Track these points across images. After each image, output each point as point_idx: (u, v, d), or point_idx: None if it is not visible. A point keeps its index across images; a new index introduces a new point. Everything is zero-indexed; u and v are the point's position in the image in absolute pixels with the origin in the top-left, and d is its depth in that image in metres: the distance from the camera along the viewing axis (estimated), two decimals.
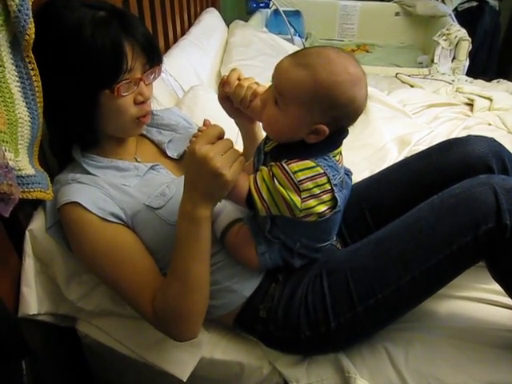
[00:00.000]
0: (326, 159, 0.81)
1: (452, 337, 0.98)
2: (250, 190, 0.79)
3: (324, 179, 0.79)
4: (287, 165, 0.77)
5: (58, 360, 1.11)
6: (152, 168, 1.00)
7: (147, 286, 0.87)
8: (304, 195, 0.78)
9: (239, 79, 0.92)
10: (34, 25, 0.78)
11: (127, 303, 0.91)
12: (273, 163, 0.80)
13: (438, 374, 0.91)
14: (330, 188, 0.80)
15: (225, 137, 0.79)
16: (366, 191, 1.12)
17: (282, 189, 0.77)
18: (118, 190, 0.92)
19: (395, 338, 0.98)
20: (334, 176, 0.81)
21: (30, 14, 0.77)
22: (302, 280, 0.95)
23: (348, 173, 0.91)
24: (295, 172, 0.77)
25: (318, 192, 0.79)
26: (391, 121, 1.83)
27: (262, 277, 0.96)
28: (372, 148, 1.66)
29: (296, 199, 0.78)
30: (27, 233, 0.94)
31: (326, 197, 0.81)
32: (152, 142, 1.10)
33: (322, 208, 0.81)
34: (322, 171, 0.79)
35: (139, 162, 1.02)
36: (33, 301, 0.94)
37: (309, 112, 0.76)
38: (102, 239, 0.87)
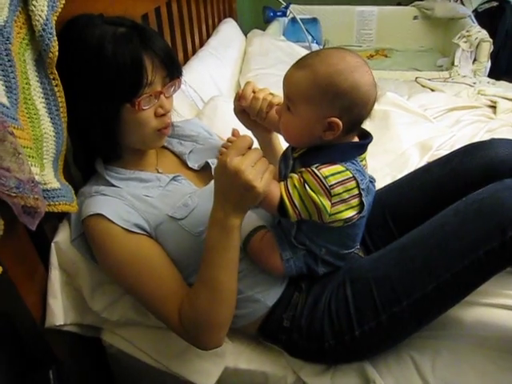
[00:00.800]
0: (354, 163, 0.82)
1: (480, 345, 0.96)
2: (281, 197, 0.80)
3: (353, 183, 0.80)
4: (318, 170, 0.78)
5: (83, 369, 1.13)
6: (174, 179, 1.01)
7: (172, 295, 0.88)
8: (334, 200, 0.79)
9: (254, 92, 0.94)
10: (57, 43, 0.80)
11: (152, 313, 0.92)
12: (303, 169, 0.81)
13: (466, 383, 0.89)
14: (358, 192, 0.81)
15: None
16: (388, 198, 1.11)
17: (313, 194, 0.78)
18: (141, 201, 0.93)
19: (421, 346, 0.96)
20: (361, 180, 0.82)
21: (54, 33, 0.80)
22: (326, 288, 0.95)
23: (372, 180, 0.90)
24: (326, 177, 0.78)
25: (347, 197, 0.80)
26: (412, 126, 1.81)
27: (284, 286, 0.96)
28: (393, 154, 1.65)
29: (326, 203, 0.78)
30: (53, 245, 0.95)
31: (355, 202, 0.82)
32: (173, 153, 1.12)
33: (351, 213, 0.82)
34: (351, 175, 0.80)
35: (161, 173, 1.03)
36: (59, 312, 0.95)
37: (316, 107, 0.77)
38: (126, 250, 0.88)
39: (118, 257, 0.88)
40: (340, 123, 0.77)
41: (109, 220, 0.87)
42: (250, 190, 0.75)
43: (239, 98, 0.96)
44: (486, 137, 1.67)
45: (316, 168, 0.79)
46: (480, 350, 0.95)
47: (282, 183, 0.81)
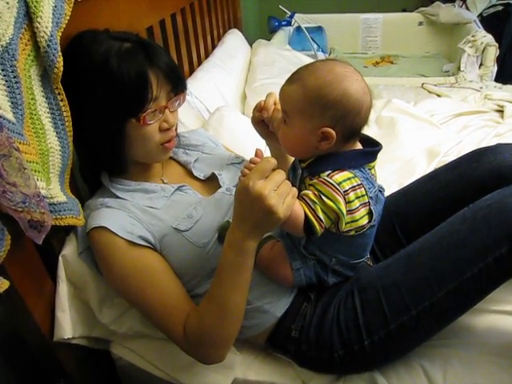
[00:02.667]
0: (361, 171, 0.82)
1: (492, 353, 0.94)
2: (306, 216, 0.79)
3: (362, 191, 0.81)
4: (330, 178, 0.79)
5: (93, 383, 1.13)
6: (179, 189, 1.01)
7: (177, 308, 0.88)
8: (349, 207, 0.80)
9: (275, 104, 0.95)
10: (62, 58, 0.81)
11: (156, 326, 0.92)
12: (315, 180, 0.81)
13: None
14: (367, 201, 0.82)
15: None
16: (395, 205, 1.11)
17: (331, 203, 0.78)
18: (145, 213, 0.94)
19: (432, 355, 0.95)
20: (369, 189, 0.82)
21: (59, 49, 0.81)
22: (334, 298, 0.94)
23: (381, 189, 0.90)
24: (340, 183, 0.78)
25: (358, 205, 0.81)
26: (419, 132, 1.80)
27: (293, 296, 0.96)
28: (400, 161, 1.64)
29: (344, 210, 0.79)
30: (60, 258, 0.96)
31: (365, 210, 0.82)
32: (178, 162, 1.12)
33: (363, 222, 0.83)
34: (360, 182, 0.80)
35: (166, 183, 1.03)
36: (67, 325, 0.95)
37: (309, 118, 0.79)
38: (130, 263, 0.88)
39: (121, 269, 0.88)
40: (333, 133, 0.78)
41: (113, 232, 0.87)
42: (271, 215, 0.74)
43: (261, 109, 0.96)
44: (493, 141, 1.66)
45: (327, 176, 0.80)
46: (493, 358, 0.93)
47: (303, 202, 0.80)
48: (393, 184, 1.44)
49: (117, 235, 0.87)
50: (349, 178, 0.80)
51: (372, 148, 0.86)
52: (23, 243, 0.83)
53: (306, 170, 0.86)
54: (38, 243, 0.75)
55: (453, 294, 0.85)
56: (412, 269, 0.89)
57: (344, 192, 0.78)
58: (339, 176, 0.79)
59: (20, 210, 0.69)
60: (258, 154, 0.83)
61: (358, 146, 0.86)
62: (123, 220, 0.90)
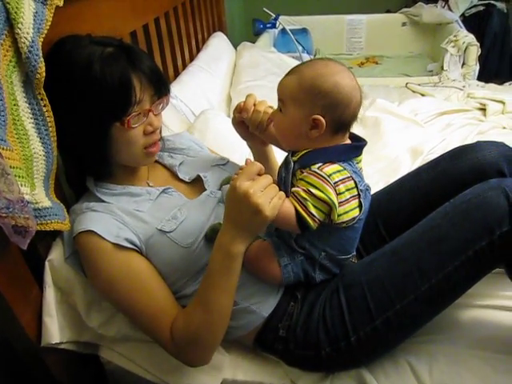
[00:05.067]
0: (350, 165, 0.86)
1: (476, 348, 0.96)
2: (298, 213, 0.82)
3: (352, 183, 0.84)
4: (321, 170, 0.83)
5: None
6: (164, 191, 1.01)
7: (163, 311, 0.88)
8: (340, 199, 0.82)
9: (254, 104, 0.97)
10: (44, 64, 0.81)
11: (142, 329, 0.92)
12: (305, 173, 0.84)
13: None
14: (357, 193, 0.85)
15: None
16: (379, 204, 1.11)
17: (320, 193, 0.81)
18: (131, 216, 0.94)
19: (418, 351, 0.96)
20: (359, 182, 0.85)
21: (40, 54, 0.81)
22: (320, 296, 0.95)
23: (368, 187, 0.92)
24: (330, 175, 0.82)
25: (349, 197, 0.84)
26: (403, 131, 1.83)
27: (280, 296, 0.96)
28: (385, 160, 1.66)
29: (335, 199, 0.81)
30: (47, 263, 0.95)
31: (355, 202, 0.85)
32: (164, 166, 1.13)
33: (354, 213, 0.86)
34: (349, 175, 0.84)
35: (151, 186, 1.04)
36: (55, 330, 0.95)
37: (302, 106, 0.84)
38: (116, 266, 0.88)
39: (108, 273, 0.88)
40: (323, 120, 0.83)
41: (99, 236, 0.87)
42: (258, 214, 0.76)
43: (240, 110, 0.99)
44: (476, 139, 1.67)
45: (318, 168, 0.83)
46: (477, 352, 0.95)
47: (294, 200, 0.83)
48: (379, 183, 1.45)
49: (104, 238, 0.88)
50: (338, 171, 0.83)
51: (359, 143, 0.89)
52: (9, 249, 0.83)
53: (297, 163, 0.88)
54: (23, 248, 0.75)
55: (436, 287, 0.86)
56: (395, 264, 0.90)
57: (334, 183, 0.81)
58: (329, 168, 0.83)
59: (4, 215, 0.69)
60: (247, 162, 0.85)
61: (347, 141, 0.90)
62: (109, 223, 0.91)
